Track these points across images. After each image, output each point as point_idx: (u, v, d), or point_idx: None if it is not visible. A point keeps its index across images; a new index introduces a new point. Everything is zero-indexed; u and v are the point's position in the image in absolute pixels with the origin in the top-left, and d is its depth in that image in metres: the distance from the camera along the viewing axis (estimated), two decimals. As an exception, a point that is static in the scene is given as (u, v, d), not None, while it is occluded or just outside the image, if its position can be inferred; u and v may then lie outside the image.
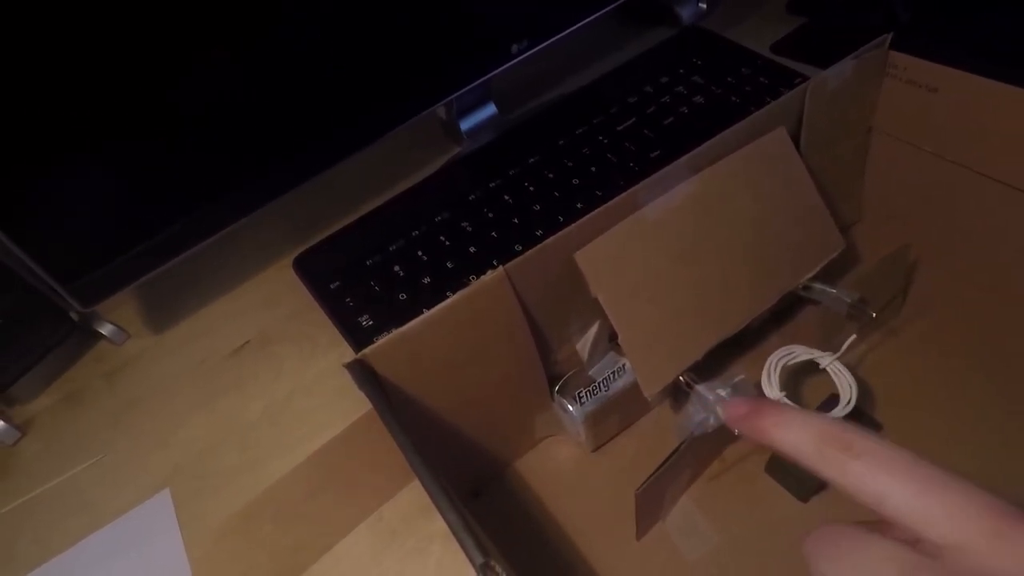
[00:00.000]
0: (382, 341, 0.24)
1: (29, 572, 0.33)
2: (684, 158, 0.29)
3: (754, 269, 0.30)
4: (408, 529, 0.32)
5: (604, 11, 0.48)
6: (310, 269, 0.45)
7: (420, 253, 0.44)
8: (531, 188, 0.46)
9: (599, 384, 0.31)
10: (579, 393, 0.31)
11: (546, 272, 0.27)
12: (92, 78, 0.30)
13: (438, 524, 0.31)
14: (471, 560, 0.18)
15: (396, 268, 0.43)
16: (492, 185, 0.47)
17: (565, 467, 0.33)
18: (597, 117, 0.50)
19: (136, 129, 0.33)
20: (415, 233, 0.45)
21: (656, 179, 0.28)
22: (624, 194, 0.28)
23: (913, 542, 0.17)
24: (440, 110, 0.54)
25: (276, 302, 0.45)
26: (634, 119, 0.49)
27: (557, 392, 0.32)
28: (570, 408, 0.31)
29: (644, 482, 0.26)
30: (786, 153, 0.31)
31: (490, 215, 0.45)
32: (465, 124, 0.53)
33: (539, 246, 0.26)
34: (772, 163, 0.31)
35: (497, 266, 0.26)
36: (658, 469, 0.26)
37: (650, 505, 0.28)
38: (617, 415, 0.32)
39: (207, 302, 0.46)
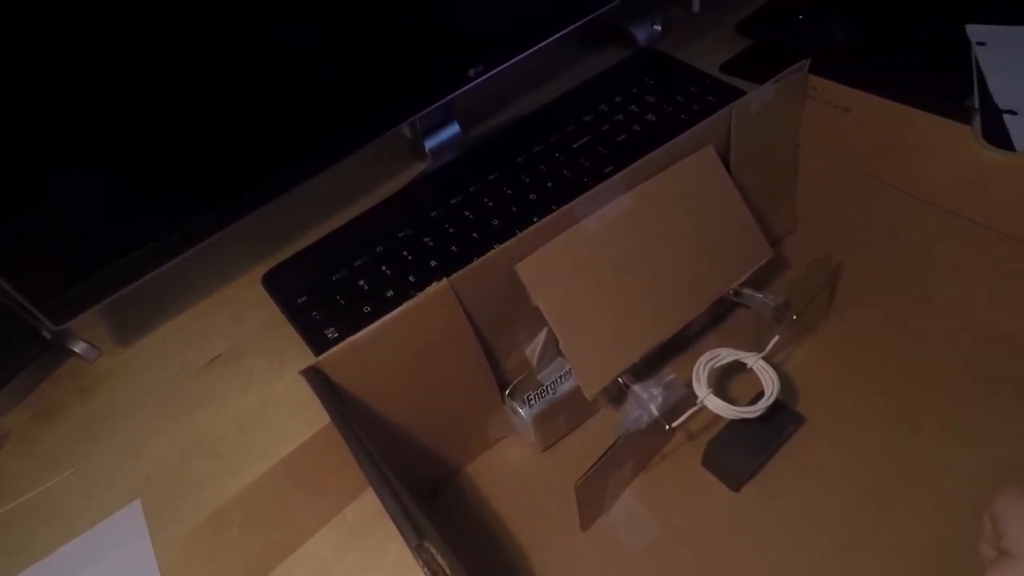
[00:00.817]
0: (334, 349, 0.26)
1: (1, 583, 0.34)
2: (618, 175, 0.31)
3: (687, 277, 0.33)
4: (368, 530, 0.34)
5: (554, 38, 0.51)
6: (278, 285, 0.47)
7: (384, 268, 0.46)
8: (490, 204, 0.48)
9: (547, 388, 0.33)
10: (528, 396, 0.33)
11: (490, 283, 0.30)
12: (67, 103, 0.32)
13: (398, 524, 0.33)
14: (407, 542, 0.20)
15: (361, 282, 0.45)
16: (453, 202, 0.49)
17: (517, 466, 0.35)
18: (554, 135, 0.53)
19: (106, 151, 0.35)
20: (379, 249, 0.47)
21: (592, 195, 0.31)
22: (562, 209, 0.30)
23: None
24: (405, 129, 0.56)
25: (245, 317, 0.47)
26: (589, 137, 0.52)
27: (508, 396, 0.34)
28: (520, 410, 0.33)
29: (583, 475, 0.28)
30: (714, 169, 0.34)
31: (451, 230, 0.47)
32: (429, 143, 0.55)
33: (481, 259, 0.29)
34: (701, 179, 0.34)
35: (441, 278, 0.28)
36: (596, 463, 0.28)
37: (592, 498, 0.31)
38: (564, 416, 0.34)
39: (178, 318, 0.48)
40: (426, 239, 0.47)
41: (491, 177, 0.50)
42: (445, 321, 0.29)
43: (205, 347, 0.46)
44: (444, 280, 0.28)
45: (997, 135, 0.44)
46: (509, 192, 0.49)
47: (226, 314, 0.47)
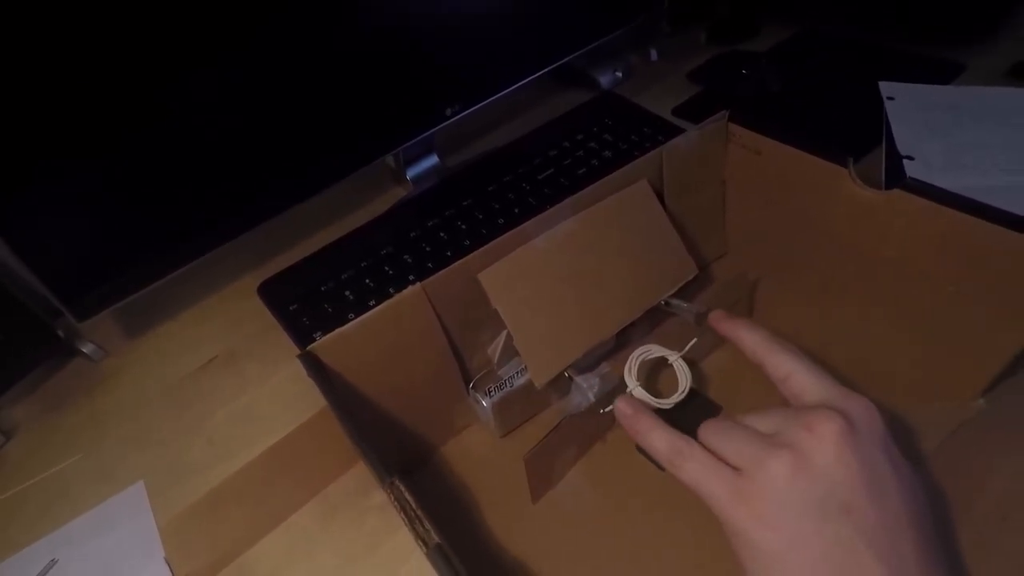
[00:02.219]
0: (326, 337, 0.32)
1: (19, 551, 0.39)
2: (565, 201, 0.38)
3: (623, 289, 0.39)
4: (348, 504, 0.39)
5: (523, 83, 0.58)
6: (272, 294, 0.52)
7: (367, 280, 0.51)
8: (463, 226, 0.54)
9: (506, 381, 0.39)
10: (489, 388, 0.39)
11: (456, 289, 0.35)
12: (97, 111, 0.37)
13: (374, 500, 0.39)
14: (379, 480, 0.25)
15: (347, 293, 0.51)
16: (430, 224, 0.55)
17: (480, 450, 0.40)
18: (522, 167, 0.59)
19: (138, 159, 0.41)
20: (364, 264, 0.53)
21: (544, 217, 0.37)
22: (517, 228, 0.36)
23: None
24: (389, 160, 0.62)
25: (241, 323, 0.52)
26: (552, 169, 0.59)
27: (472, 388, 0.40)
28: (482, 400, 0.39)
29: (531, 449, 0.34)
30: (648, 200, 0.41)
31: (427, 249, 0.53)
32: (411, 172, 0.62)
33: (449, 267, 0.35)
34: (636, 207, 0.40)
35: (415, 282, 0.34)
36: (543, 440, 0.34)
37: (540, 472, 0.36)
38: (520, 406, 0.40)
39: (178, 323, 0.53)
40: (405, 256, 0.53)
41: (465, 203, 0.57)
42: (418, 319, 0.35)
43: (203, 350, 0.51)
44: (418, 284, 0.34)
45: (896, 175, 0.52)
46: (480, 216, 0.55)
47: (223, 320, 0.53)
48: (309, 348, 0.32)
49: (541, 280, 0.37)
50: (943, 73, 0.65)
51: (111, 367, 0.50)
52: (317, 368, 0.31)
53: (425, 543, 0.24)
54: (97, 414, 0.47)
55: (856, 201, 0.37)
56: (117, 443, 0.45)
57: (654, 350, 0.37)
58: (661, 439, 0.30)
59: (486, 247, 0.35)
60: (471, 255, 0.35)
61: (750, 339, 0.32)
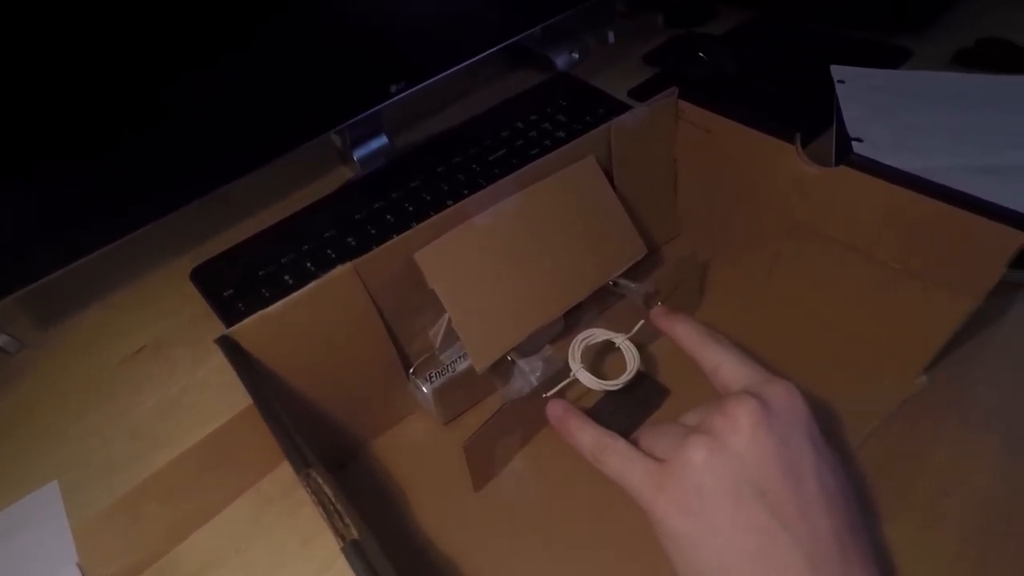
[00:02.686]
0: (247, 320, 0.30)
1: (-87, 558, 0.35)
2: (509, 177, 0.36)
3: (569, 269, 0.38)
4: (283, 496, 0.37)
5: (471, 61, 0.56)
6: (206, 279, 0.49)
7: (309, 264, 0.49)
8: (410, 208, 0.52)
9: (447, 366, 0.37)
10: (430, 374, 0.37)
11: (392, 269, 0.34)
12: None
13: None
14: (295, 470, 0.23)
15: (286, 277, 0.48)
16: (377, 206, 0.53)
17: (421, 439, 0.39)
18: (473, 148, 0.57)
19: (33, 136, 0.37)
20: (305, 247, 0.50)
21: (485, 193, 0.35)
22: (456, 205, 0.34)
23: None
24: (335, 139, 0.60)
25: (174, 311, 0.49)
26: (504, 150, 0.57)
27: (412, 373, 0.38)
28: (422, 386, 0.37)
29: (471, 437, 0.32)
30: (595, 177, 0.39)
31: (373, 231, 0.51)
32: (358, 152, 0.59)
33: (382, 246, 0.33)
34: (583, 184, 0.39)
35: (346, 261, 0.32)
36: (482, 426, 0.33)
37: (482, 460, 0.35)
38: (463, 392, 0.38)
39: (105, 312, 0.50)
40: (350, 239, 0.51)
41: (413, 184, 0.54)
42: (350, 301, 0.33)
43: (131, 338, 0.48)
44: (349, 263, 0.32)
45: (845, 156, 0.52)
46: (428, 198, 0.53)
47: (153, 307, 0.49)
48: (228, 331, 0.29)
49: (482, 260, 0.35)
50: (892, 58, 0.66)
51: (27, 359, 0.47)
52: (236, 353, 0.29)
53: (343, 538, 0.22)
54: (11, 408, 0.44)
55: (803, 178, 0.37)
56: (31, 440, 0.42)
57: (599, 333, 0.36)
58: (587, 436, 0.31)
59: (422, 225, 0.33)
60: (407, 233, 0.33)
61: (684, 333, 0.33)
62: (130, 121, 0.41)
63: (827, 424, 0.36)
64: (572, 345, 0.35)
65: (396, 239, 0.33)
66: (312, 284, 0.31)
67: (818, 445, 0.27)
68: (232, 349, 0.29)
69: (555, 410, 0.33)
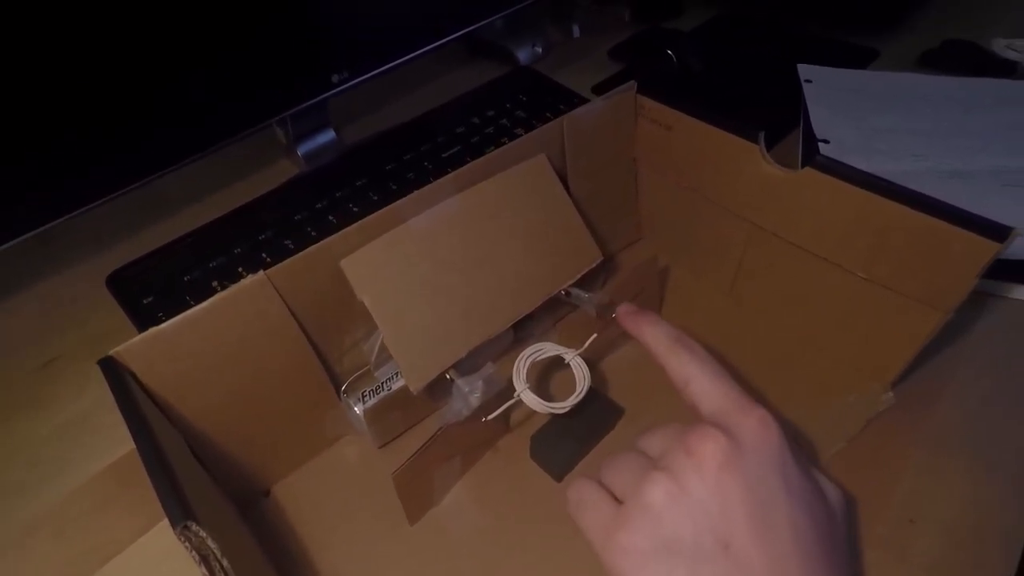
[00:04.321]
0: (135, 339, 0.26)
1: None
2: (447, 176, 0.33)
3: (517, 277, 0.34)
4: (194, 533, 0.33)
5: (420, 52, 0.52)
6: (125, 285, 0.45)
7: (240, 269, 0.45)
8: (355, 209, 0.49)
9: (382, 384, 0.34)
10: (363, 393, 0.34)
11: (314, 278, 0.30)
12: None
13: (226, 526, 0.33)
14: (172, 524, 0.20)
15: (215, 284, 0.44)
16: (319, 206, 0.49)
17: (355, 464, 0.35)
18: (425, 144, 0.54)
19: None
20: (238, 250, 0.46)
21: (420, 194, 0.32)
22: (387, 207, 0.31)
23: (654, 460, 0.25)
24: (279, 134, 0.56)
25: (87, 320, 0.44)
26: (458, 147, 0.54)
27: (344, 393, 0.34)
28: (354, 407, 0.34)
29: (400, 465, 0.29)
30: (546, 176, 0.36)
31: (313, 234, 0.47)
32: (303, 148, 0.55)
33: (302, 253, 0.29)
34: (532, 185, 0.36)
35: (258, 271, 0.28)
36: (415, 454, 0.29)
37: (417, 490, 0.31)
38: (400, 413, 0.35)
39: (11, 321, 0.45)
40: (287, 241, 0.47)
41: (359, 183, 0.51)
42: (264, 315, 0.29)
43: (36, 350, 0.43)
44: (261, 272, 0.28)
45: (812, 158, 0.49)
46: (375, 198, 0.49)
47: (64, 316, 0.45)
48: (112, 352, 0.25)
49: (418, 267, 0.32)
50: (859, 58, 0.64)
51: (-82, 373, 0.42)
52: (119, 379, 0.25)
53: (226, 603, 0.18)
54: None
55: (767, 180, 0.34)
56: (-86, 464, 0.37)
57: (548, 348, 0.33)
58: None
59: (349, 228, 0.30)
60: (331, 238, 0.30)
61: (652, 338, 0.29)
62: (41, 101, 0.36)
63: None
64: (517, 362, 0.32)
65: (319, 245, 0.29)
66: (216, 297, 0.27)
67: (793, 488, 0.23)
68: (115, 374, 0.25)
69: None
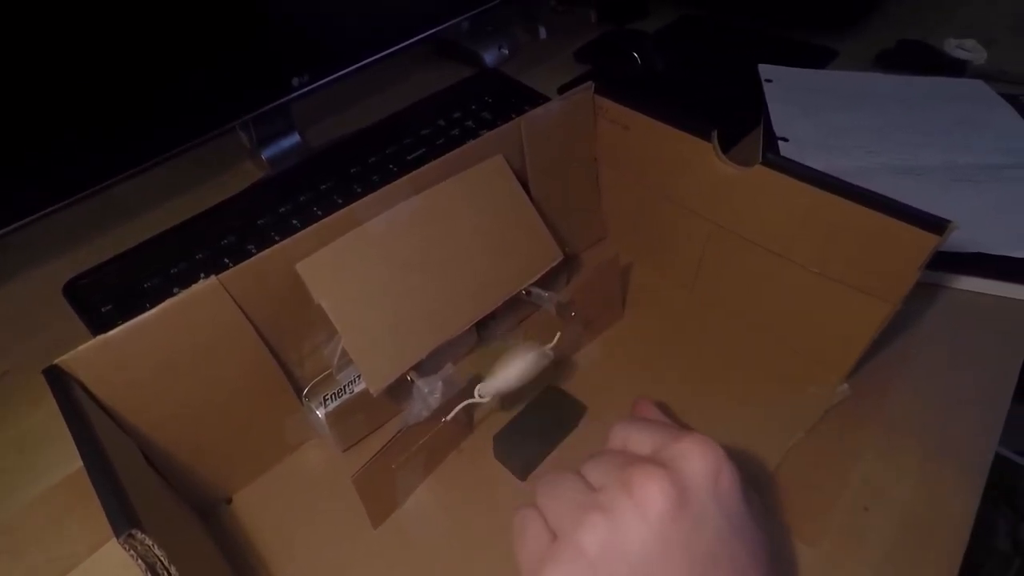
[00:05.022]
0: (82, 347, 0.25)
1: None
2: (405, 178, 0.33)
3: (476, 278, 0.35)
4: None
5: (387, 54, 0.52)
6: (81, 293, 0.44)
7: (203, 275, 0.44)
8: (319, 213, 0.48)
9: (344, 387, 0.34)
10: (325, 397, 0.34)
11: (269, 282, 0.30)
12: None
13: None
14: (115, 534, 0.19)
15: (175, 290, 0.43)
16: (282, 210, 0.49)
17: (318, 468, 0.35)
18: (391, 147, 0.54)
19: None
20: (199, 256, 0.45)
21: (377, 196, 0.32)
22: (343, 210, 0.31)
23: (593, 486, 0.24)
24: (243, 138, 0.55)
25: (43, 328, 0.43)
26: (424, 150, 0.54)
27: (305, 397, 0.34)
28: (316, 411, 0.33)
29: (360, 468, 0.29)
30: (503, 177, 0.36)
31: (276, 238, 0.46)
32: (267, 152, 0.55)
33: (255, 257, 0.29)
34: (490, 185, 0.36)
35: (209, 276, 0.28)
36: (375, 456, 0.29)
37: (379, 493, 0.31)
38: (363, 415, 0.35)
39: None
40: (250, 247, 0.46)
41: (323, 187, 0.50)
42: (218, 320, 0.29)
43: (-9, 362, 0.42)
44: (213, 277, 0.28)
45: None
46: (340, 201, 0.49)
47: (19, 325, 0.44)
48: (58, 361, 0.25)
49: (376, 270, 0.32)
50: (818, 58, 0.66)
51: None
52: (64, 388, 0.24)
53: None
54: None
55: (721, 178, 0.35)
56: None
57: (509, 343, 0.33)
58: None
59: (305, 231, 0.30)
60: (285, 242, 0.29)
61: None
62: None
63: (749, 440, 0.34)
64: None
65: (272, 248, 0.29)
66: (167, 303, 0.27)
67: (735, 523, 0.23)
68: (60, 383, 0.24)
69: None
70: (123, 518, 0.19)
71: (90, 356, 0.25)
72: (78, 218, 0.42)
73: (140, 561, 0.19)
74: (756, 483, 0.33)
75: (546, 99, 0.60)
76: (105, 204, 0.46)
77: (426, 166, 0.33)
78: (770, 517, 0.25)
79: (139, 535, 0.19)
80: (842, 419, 0.35)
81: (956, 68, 0.62)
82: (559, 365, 0.38)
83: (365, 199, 0.31)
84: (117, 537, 0.19)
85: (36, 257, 0.48)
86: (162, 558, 0.19)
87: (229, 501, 0.34)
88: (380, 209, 0.32)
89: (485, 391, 0.31)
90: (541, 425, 0.34)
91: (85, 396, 0.25)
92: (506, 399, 0.34)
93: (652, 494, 0.21)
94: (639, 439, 0.25)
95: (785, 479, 0.33)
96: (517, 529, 0.25)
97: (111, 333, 0.26)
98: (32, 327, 0.44)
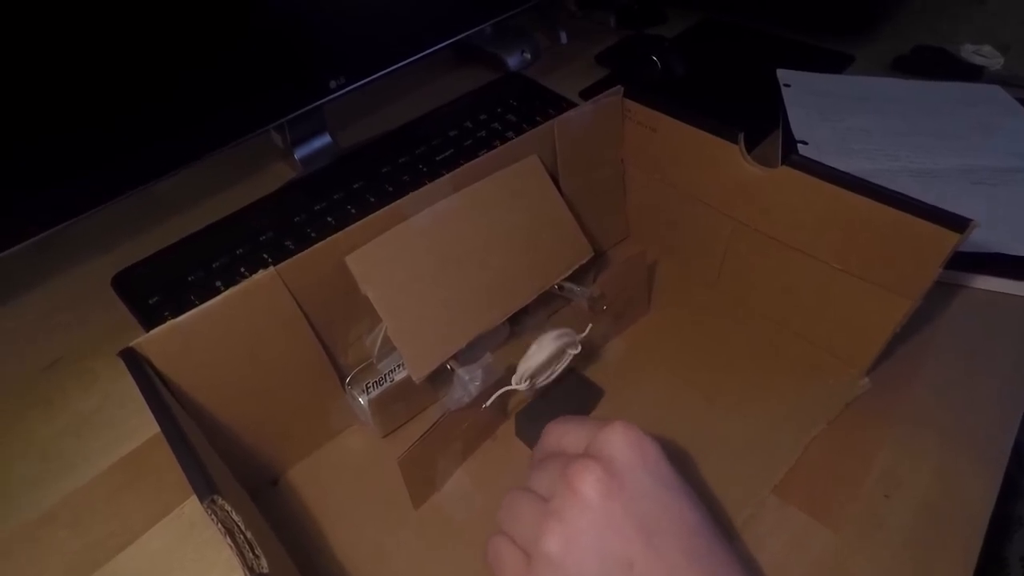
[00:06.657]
0: (155, 331, 0.27)
1: None
2: (446, 176, 0.35)
3: (512, 272, 0.36)
4: (207, 521, 0.34)
5: (415, 58, 0.54)
6: (130, 285, 0.46)
7: (243, 270, 0.46)
8: (353, 210, 0.50)
9: (385, 376, 0.36)
10: (367, 384, 0.35)
11: (321, 274, 0.32)
12: None
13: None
14: (199, 498, 0.21)
15: (218, 283, 0.45)
16: (317, 207, 0.50)
17: (360, 453, 0.37)
18: (420, 148, 0.56)
19: None
20: (239, 251, 0.47)
21: (420, 193, 0.34)
22: (391, 205, 0.33)
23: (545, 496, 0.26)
24: (276, 137, 0.57)
25: (93, 319, 0.46)
26: (452, 150, 0.55)
27: (348, 384, 0.36)
28: (358, 398, 0.35)
29: (406, 451, 0.30)
30: (538, 176, 0.38)
31: (312, 235, 0.48)
32: (300, 152, 0.57)
33: (309, 249, 0.31)
34: (526, 184, 0.37)
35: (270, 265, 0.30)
36: (419, 439, 0.31)
37: (420, 475, 0.33)
38: (403, 403, 0.36)
39: (13, 320, 0.46)
40: (287, 242, 0.48)
41: (356, 185, 0.52)
42: (275, 309, 0.31)
43: (44, 349, 0.44)
44: (271, 268, 0.30)
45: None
46: (372, 200, 0.51)
47: (70, 315, 0.46)
48: (133, 344, 0.27)
49: (419, 263, 0.33)
50: (835, 63, 0.67)
51: (-73, 373, 0.43)
52: (141, 368, 0.26)
53: (251, 570, 0.20)
54: (-96, 429, 0.40)
55: (747, 178, 0.37)
56: (-74, 462, 0.38)
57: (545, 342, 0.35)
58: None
59: (354, 226, 0.32)
60: (336, 235, 0.31)
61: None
62: (41, 108, 0.37)
63: (773, 430, 0.36)
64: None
65: (325, 241, 0.31)
66: (230, 291, 0.29)
67: (672, 485, 0.25)
68: (136, 364, 0.26)
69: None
70: (205, 484, 0.21)
71: (160, 340, 0.27)
72: (119, 216, 0.44)
73: (220, 525, 0.21)
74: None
75: (569, 102, 0.62)
76: (145, 202, 0.47)
77: (465, 165, 0.35)
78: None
79: (220, 500, 0.21)
80: (863, 412, 0.37)
81: (972, 74, 0.63)
82: (587, 357, 0.39)
83: (409, 196, 0.33)
84: (201, 501, 0.21)
85: (81, 252, 0.50)
86: (239, 523, 0.21)
87: (275, 483, 0.36)
88: (423, 205, 0.34)
89: (519, 378, 0.32)
90: (560, 406, 0.36)
91: (155, 375, 0.27)
92: (537, 387, 0.36)
93: (589, 484, 0.24)
94: (571, 440, 0.28)
95: (808, 468, 0.34)
96: (492, 559, 0.27)
97: (179, 319, 0.28)
98: (79, 318, 0.46)
